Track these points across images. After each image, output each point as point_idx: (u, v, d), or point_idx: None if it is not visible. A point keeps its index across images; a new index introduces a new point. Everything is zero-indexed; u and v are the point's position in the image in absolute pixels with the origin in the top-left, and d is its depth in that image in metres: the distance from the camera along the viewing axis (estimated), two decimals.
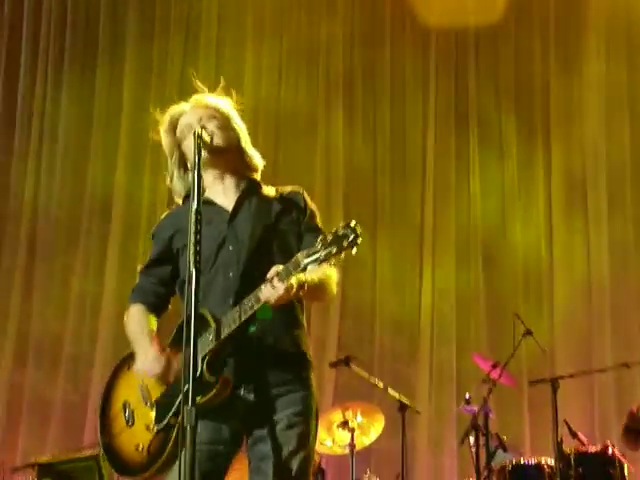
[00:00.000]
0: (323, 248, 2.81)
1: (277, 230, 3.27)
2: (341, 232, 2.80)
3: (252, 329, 3.10)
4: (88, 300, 8.86)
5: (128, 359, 3.34)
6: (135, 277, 3.55)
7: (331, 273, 3.25)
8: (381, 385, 6.77)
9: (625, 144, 8.47)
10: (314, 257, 2.83)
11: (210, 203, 3.29)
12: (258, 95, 8.92)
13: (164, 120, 3.43)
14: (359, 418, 6.71)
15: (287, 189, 3.43)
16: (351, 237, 2.78)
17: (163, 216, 3.53)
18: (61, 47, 9.58)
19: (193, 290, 2.84)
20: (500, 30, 8.93)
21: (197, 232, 2.87)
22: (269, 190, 3.41)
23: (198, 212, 2.91)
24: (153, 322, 3.38)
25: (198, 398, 2.93)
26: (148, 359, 3.19)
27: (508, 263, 8.52)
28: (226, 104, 3.44)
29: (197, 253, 2.85)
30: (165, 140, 3.42)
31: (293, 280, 2.94)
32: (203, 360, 2.98)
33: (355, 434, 6.63)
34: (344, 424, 6.69)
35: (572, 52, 8.85)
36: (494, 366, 6.46)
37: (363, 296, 8.58)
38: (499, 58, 9.01)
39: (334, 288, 3.28)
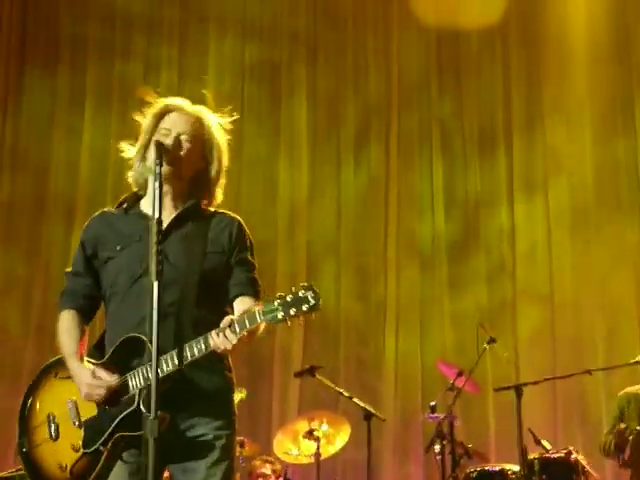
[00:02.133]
0: (281, 309, 2.75)
1: (207, 257, 3.18)
2: (302, 294, 2.75)
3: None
4: (49, 313, 8.75)
5: (56, 365, 3.26)
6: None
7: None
8: (347, 394, 6.77)
9: (586, 146, 8.57)
10: (271, 316, 2.77)
11: (145, 217, 3.18)
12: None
13: (157, 105, 3.31)
14: (325, 427, 6.71)
15: (226, 216, 3.31)
16: (312, 302, 2.74)
17: (92, 217, 3.40)
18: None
19: (155, 303, 2.76)
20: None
21: (158, 242, 2.80)
22: (208, 214, 3.30)
23: (159, 222, 2.83)
24: (83, 333, 3.28)
25: (130, 432, 2.93)
26: (89, 386, 3.08)
27: (472, 272, 8.56)
28: (219, 131, 3.33)
29: (159, 263, 2.78)
30: (147, 121, 3.29)
31: (245, 333, 2.87)
32: (140, 394, 2.92)
33: (321, 443, 6.63)
34: (310, 433, 6.68)
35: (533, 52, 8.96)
36: (459, 374, 6.50)
37: (328, 306, 8.57)
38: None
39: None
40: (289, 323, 2.80)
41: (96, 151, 9.03)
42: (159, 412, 2.75)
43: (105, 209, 3.39)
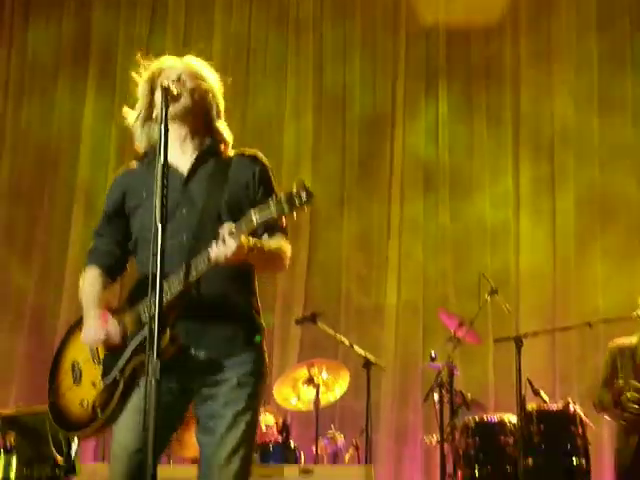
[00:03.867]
0: (275, 205, 2.81)
1: (231, 195, 3.23)
2: (294, 191, 2.81)
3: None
4: (53, 250, 8.80)
5: (78, 323, 3.33)
6: None
7: (286, 247, 3.25)
8: (347, 342, 6.79)
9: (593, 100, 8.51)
10: (266, 212, 2.83)
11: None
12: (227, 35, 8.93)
13: (148, 67, 3.37)
14: (324, 375, 6.75)
15: (246, 152, 3.38)
16: (304, 196, 2.80)
17: (115, 176, 3.48)
18: None
19: (159, 245, 2.80)
20: None
21: (164, 187, 2.83)
22: (228, 153, 3.37)
23: (165, 166, 2.86)
24: (105, 287, 3.35)
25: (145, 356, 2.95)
26: (89, 332, 3.20)
27: (474, 220, 8.54)
28: (211, 73, 3.40)
29: (163, 207, 2.82)
30: (141, 85, 3.36)
31: (244, 238, 2.92)
32: (146, 317, 2.96)
33: (320, 391, 6.66)
34: (309, 381, 6.71)
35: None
36: (460, 324, 6.51)
37: (330, 253, 8.58)
38: None
39: (286, 262, 3.27)
40: (284, 221, 2.97)
41: (99, 105, 9.09)
42: (172, 333, 2.90)
43: (127, 166, 3.45)
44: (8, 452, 5.81)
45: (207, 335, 3.15)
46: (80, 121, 9.17)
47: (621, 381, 6.03)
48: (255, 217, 2.85)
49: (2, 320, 8.64)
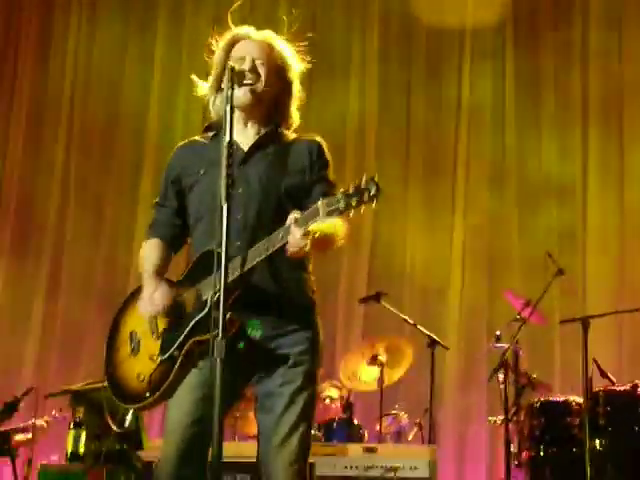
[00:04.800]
0: (344, 199, 2.79)
1: (287, 177, 3.23)
2: (363, 185, 2.79)
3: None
4: (121, 229, 8.93)
5: (138, 292, 3.33)
6: None
7: (341, 228, 3.19)
8: (411, 321, 6.79)
9: None
10: (334, 207, 2.81)
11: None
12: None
13: (225, 36, 3.35)
14: (388, 354, 6.75)
15: (304, 137, 3.37)
16: (372, 191, 2.77)
17: (176, 148, 3.48)
18: None
19: (225, 222, 2.82)
20: None
21: (229, 165, 2.84)
22: (288, 136, 3.36)
23: (230, 145, 2.88)
24: (165, 258, 3.38)
25: (204, 335, 3.00)
26: (146, 303, 3.22)
27: (542, 199, 8.45)
28: (289, 53, 3.37)
29: (229, 187, 2.83)
30: (217, 54, 3.35)
31: (311, 228, 2.90)
32: (212, 298, 2.96)
33: (384, 370, 6.67)
34: (373, 359, 6.73)
35: None
36: (526, 304, 6.45)
37: (394, 232, 8.56)
38: None
39: (340, 243, 3.22)
40: (352, 214, 2.85)
41: (167, 70, 9.17)
42: (229, 315, 2.87)
43: (192, 138, 3.45)
44: (77, 427, 5.95)
45: (262, 315, 3.16)
46: (150, 79, 9.29)
47: None
48: (322, 210, 2.84)
49: (72, 297, 8.79)
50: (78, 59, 9.45)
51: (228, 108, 2.94)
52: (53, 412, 6.67)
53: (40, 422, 6.57)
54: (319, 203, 2.85)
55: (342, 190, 2.82)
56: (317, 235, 2.96)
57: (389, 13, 9.10)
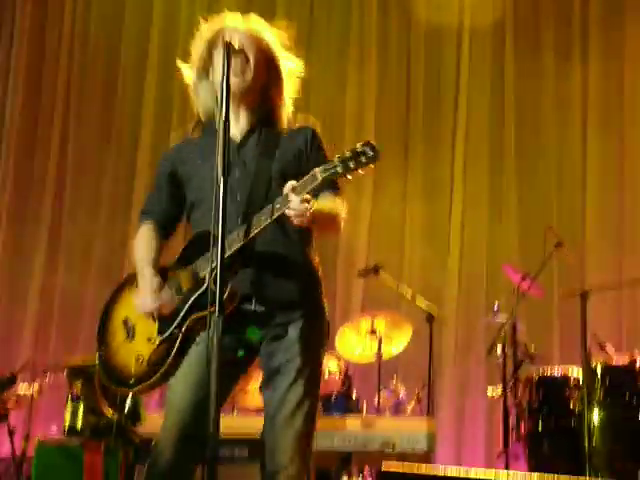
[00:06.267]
0: (340, 163, 2.81)
1: (284, 160, 3.22)
2: (359, 149, 2.80)
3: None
4: (119, 202, 8.90)
5: (132, 278, 3.33)
6: None
7: (340, 207, 3.20)
8: (409, 294, 6.77)
9: None
10: (331, 171, 2.83)
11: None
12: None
13: (213, 24, 3.31)
14: (386, 327, 6.75)
15: (296, 126, 3.35)
16: (370, 153, 2.79)
17: (168, 150, 3.48)
18: None
19: (222, 191, 2.82)
20: None
21: (225, 142, 2.83)
22: (281, 125, 3.33)
23: (227, 120, 2.88)
24: (159, 245, 3.36)
25: (204, 311, 2.96)
26: (144, 302, 3.20)
27: (541, 172, 8.42)
28: (275, 39, 3.33)
29: (225, 163, 2.82)
30: (199, 45, 3.30)
31: (308, 195, 2.91)
32: (212, 272, 2.96)
33: (382, 343, 6.67)
34: (372, 333, 6.73)
35: None
36: (524, 277, 6.43)
37: (393, 204, 8.53)
38: None
39: (341, 224, 3.23)
40: (349, 176, 2.86)
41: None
42: (230, 290, 2.92)
43: (181, 139, 3.44)
44: (75, 401, 5.94)
45: (266, 289, 3.15)
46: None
47: None
48: (320, 175, 2.85)
49: (70, 270, 8.77)
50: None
51: (224, 84, 2.90)
52: (46, 376, 6.55)
53: (27, 390, 6.45)
54: (315, 170, 2.87)
55: (338, 155, 2.83)
56: (319, 209, 2.96)
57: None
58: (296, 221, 2.96)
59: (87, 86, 9.29)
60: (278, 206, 2.97)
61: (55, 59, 9.32)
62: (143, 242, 3.36)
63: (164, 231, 3.42)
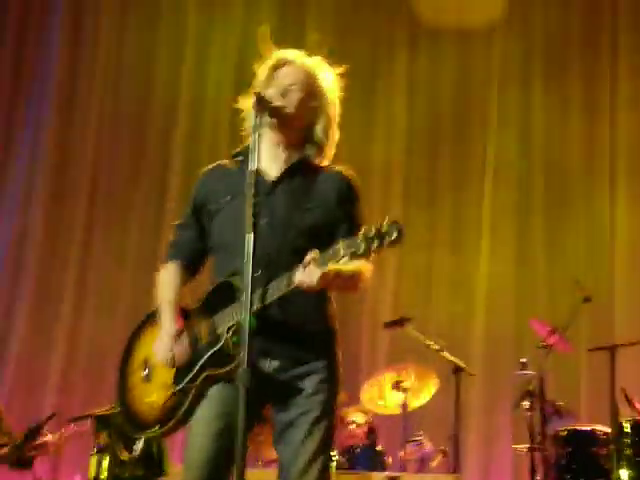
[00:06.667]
0: (364, 242, 2.74)
1: (313, 212, 3.18)
2: (384, 229, 2.73)
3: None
4: (146, 250, 8.92)
5: (154, 316, 3.32)
6: None
7: (365, 268, 3.14)
8: (436, 347, 6.73)
9: None
10: (353, 249, 2.76)
11: (257, 170, 3.09)
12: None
13: (273, 57, 3.31)
14: (412, 379, 6.70)
15: (335, 169, 3.30)
16: (394, 236, 2.72)
17: (202, 173, 3.44)
18: None
19: (251, 251, 2.80)
20: None
21: (255, 195, 2.83)
22: (319, 168, 3.29)
23: (255, 174, 2.87)
24: (184, 284, 3.36)
25: (217, 370, 3.01)
26: (160, 348, 3.20)
27: (570, 227, 8.39)
28: (330, 80, 3.32)
29: (254, 215, 2.81)
30: (261, 74, 3.30)
31: (329, 268, 2.86)
32: (229, 330, 2.96)
33: (408, 395, 6.62)
34: (397, 384, 6.68)
35: None
36: (552, 332, 6.38)
37: (420, 257, 8.51)
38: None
39: (367, 282, 3.17)
40: (371, 256, 2.81)
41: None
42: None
43: (220, 162, 3.41)
44: (100, 452, 5.91)
45: (280, 344, 3.12)
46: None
47: None
48: (342, 251, 2.79)
49: (97, 318, 8.78)
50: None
51: (256, 136, 2.91)
52: (71, 425, 6.51)
53: (53, 438, 6.39)
54: (340, 244, 2.80)
55: (363, 232, 2.76)
56: (340, 274, 2.93)
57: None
58: (306, 289, 2.92)
59: (117, 134, 9.37)
60: (299, 274, 2.92)
61: (87, 107, 9.41)
62: (168, 281, 3.36)
63: (191, 269, 3.41)
